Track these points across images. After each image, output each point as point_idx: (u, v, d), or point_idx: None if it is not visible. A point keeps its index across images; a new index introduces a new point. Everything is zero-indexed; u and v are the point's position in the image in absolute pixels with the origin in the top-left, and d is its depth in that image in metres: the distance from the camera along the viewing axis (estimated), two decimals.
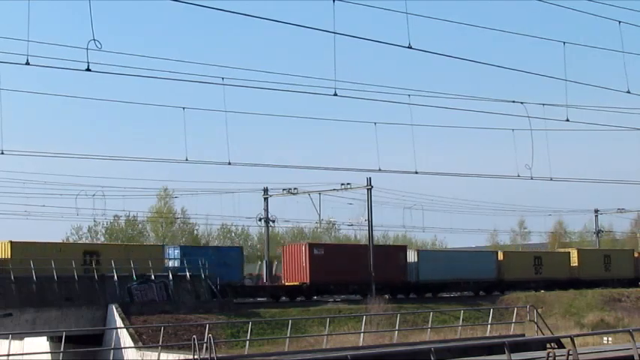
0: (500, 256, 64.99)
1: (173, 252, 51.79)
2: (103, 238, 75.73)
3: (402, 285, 58.08)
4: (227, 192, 67.76)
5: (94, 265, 43.95)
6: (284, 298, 53.92)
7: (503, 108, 27.04)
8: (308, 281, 53.19)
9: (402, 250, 60.57)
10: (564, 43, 23.20)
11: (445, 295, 61.61)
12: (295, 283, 53.77)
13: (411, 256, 59.41)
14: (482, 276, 62.00)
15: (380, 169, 30.02)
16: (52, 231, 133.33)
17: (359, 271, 54.88)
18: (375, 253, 56.57)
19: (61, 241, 60.35)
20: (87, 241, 73.02)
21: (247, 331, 35.12)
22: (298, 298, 53.63)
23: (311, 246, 55.06)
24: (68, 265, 41.81)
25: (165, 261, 49.43)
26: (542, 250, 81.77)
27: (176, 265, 49.31)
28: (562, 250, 77.26)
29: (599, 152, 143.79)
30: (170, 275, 45.57)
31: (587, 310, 59.12)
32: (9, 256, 42.03)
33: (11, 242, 42.78)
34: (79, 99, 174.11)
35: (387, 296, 53.83)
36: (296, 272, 53.74)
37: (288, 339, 33.51)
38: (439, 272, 59.22)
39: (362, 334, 34.95)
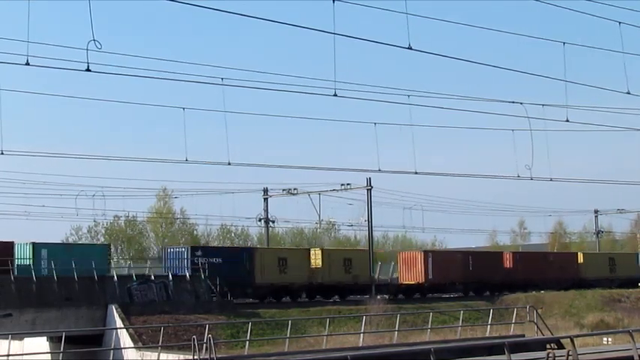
0: None
1: None
2: (102, 239, 75.68)
3: None
4: (227, 192, 67.87)
5: None
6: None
7: (503, 108, 27.05)
8: None
9: None
10: (564, 43, 23.21)
11: None
12: None
13: None
14: None
15: (380, 170, 30.03)
16: (52, 231, 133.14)
17: None
18: None
19: None
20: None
21: (247, 332, 35.08)
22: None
23: None
24: None
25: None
26: None
27: None
28: None
29: (599, 152, 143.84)
30: (170, 275, 45.57)
31: (586, 310, 59.14)
32: None
33: None
34: (79, 99, 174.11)
35: None
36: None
37: (287, 339, 33.49)
38: None
39: (362, 335, 34.93)
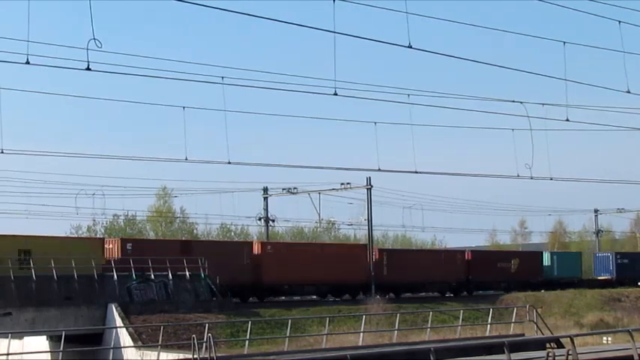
0: None
1: None
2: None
3: None
4: (227, 191, 67.84)
5: None
6: None
7: (503, 108, 27.10)
8: None
9: None
10: (564, 43, 23.19)
11: None
12: None
13: None
14: None
15: (380, 169, 29.98)
16: (52, 230, 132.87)
17: None
18: None
19: None
20: None
21: (247, 331, 35.06)
22: None
23: None
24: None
25: None
26: None
27: None
28: None
29: (599, 152, 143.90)
30: (170, 274, 45.50)
31: (586, 310, 59.17)
32: None
33: None
34: (80, 98, 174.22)
35: None
36: None
37: (287, 338, 33.48)
38: None
39: (361, 334, 34.92)
